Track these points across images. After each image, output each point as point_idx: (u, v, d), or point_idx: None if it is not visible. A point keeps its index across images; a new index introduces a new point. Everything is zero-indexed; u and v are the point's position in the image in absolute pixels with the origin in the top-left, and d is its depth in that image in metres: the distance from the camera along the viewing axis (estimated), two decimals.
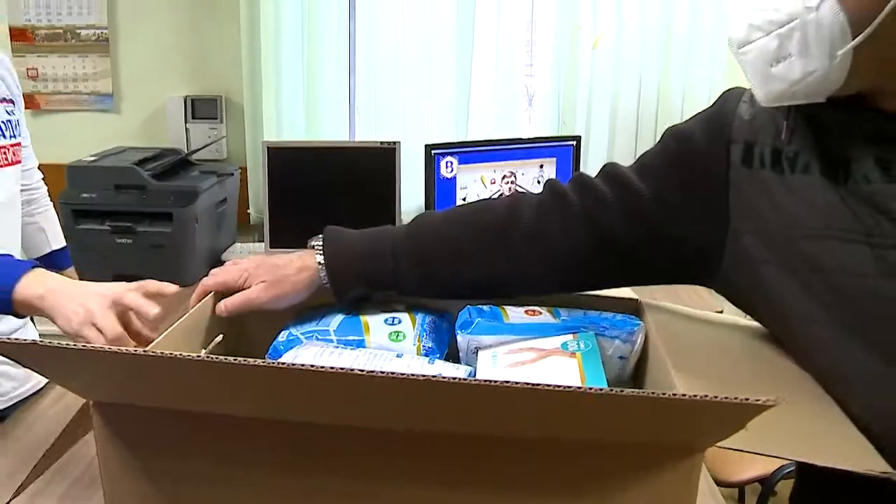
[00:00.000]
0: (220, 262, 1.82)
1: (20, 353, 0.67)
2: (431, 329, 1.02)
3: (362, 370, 0.57)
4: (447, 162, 2.28)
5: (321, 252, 1.04)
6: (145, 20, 2.70)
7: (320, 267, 1.03)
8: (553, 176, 2.42)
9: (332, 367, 0.58)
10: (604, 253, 0.99)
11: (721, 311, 1.37)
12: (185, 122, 2.69)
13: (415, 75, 2.64)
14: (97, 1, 2.69)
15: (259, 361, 0.60)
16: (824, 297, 0.83)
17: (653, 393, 0.55)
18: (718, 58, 2.58)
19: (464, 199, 2.32)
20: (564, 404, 0.56)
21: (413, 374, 0.58)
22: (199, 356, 0.62)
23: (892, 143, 0.77)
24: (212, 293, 1.04)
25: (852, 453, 0.71)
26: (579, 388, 0.53)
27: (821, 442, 0.75)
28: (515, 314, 0.99)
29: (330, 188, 2.35)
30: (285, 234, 2.35)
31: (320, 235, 1.06)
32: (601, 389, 0.54)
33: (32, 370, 0.71)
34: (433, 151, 2.26)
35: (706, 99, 2.58)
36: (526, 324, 0.97)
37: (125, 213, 2.17)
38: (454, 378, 0.56)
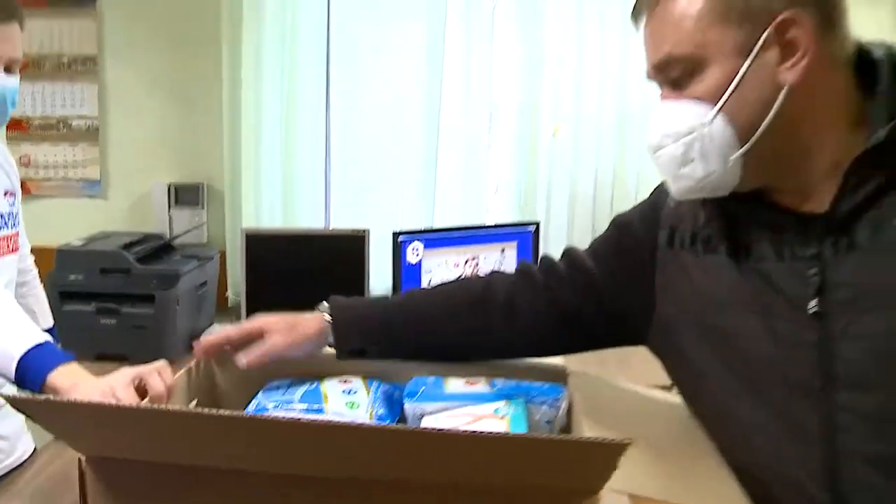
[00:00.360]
0: None
1: (35, 408, 0.80)
2: (384, 398, 1.15)
3: (312, 420, 0.71)
4: (413, 248, 2.43)
5: (328, 312, 1.21)
6: (134, 112, 2.88)
7: (327, 323, 1.20)
8: (514, 259, 2.58)
9: (295, 419, 0.71)
10: (565, 324, 1.18)
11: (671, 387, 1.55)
12: (169, 208, 2.83)
13: (386, 166, 2.80)
14: (89, 93, 2.87)
15: (235, 413, 0.73)
16: (731, 363, 0.99)
17: (532, 436, 0.69)
18: None
19: (429, 282, 2.46)
20: (458, 446, 0.69)
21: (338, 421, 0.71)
22: (185, 409, 0.75)
23: (783, 231, 0.94)
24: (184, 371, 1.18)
25: (723, 498, 0.85)
26: (458, 431, 0.66)
27: (702, 490, 0.89)
28: (456, 384, 1.13)
29: (304, 272, 2.48)
30: None
31: (324, 302, 1.24)
32: (479, 432, 0.67)
33: (43, 426, 0.83)
34: (400, 238, 2.41)
35: (659, 180, 2.75)
36: (464, 393, 1.11)
37: (110, 295, 2.29)
38: (370, 424, 0.70)
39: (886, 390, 0.87)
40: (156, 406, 0.89)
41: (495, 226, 2.66)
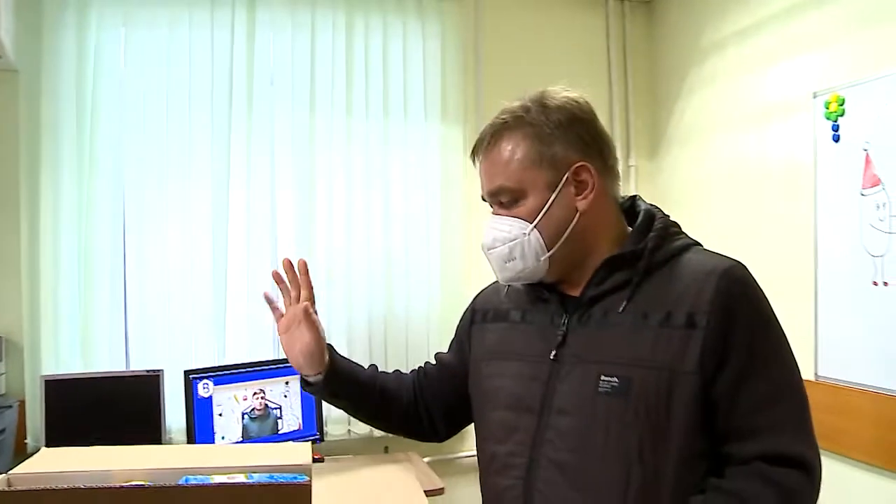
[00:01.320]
0: None
1: None
2: None
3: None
4: (204, 384, 2.68)
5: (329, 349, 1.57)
6: None
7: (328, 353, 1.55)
8: (298, 391, 2.88)
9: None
10: (449, 406, 1.61)
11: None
12: None
13: (180, 309, 3.00)
14: None
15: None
16: (490, 390, 1.45)
17: (235, 482, 1.00)
18: (433, 280, 3.26)
19: (220, 415, 2.71)
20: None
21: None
22: None
23: (552, 305, 1.40)
24: None
25: None
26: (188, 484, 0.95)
27: None
28: (220, 478, 1.42)
29: (103, 413, 2.66)
30: None
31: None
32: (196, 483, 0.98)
33: None
34: (191, 376, 2.66)
35: (425, 312, 3.23)
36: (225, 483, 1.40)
37: None
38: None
39: (573, 417, 1.29)
40: None
41: (278, 360, 2.94)
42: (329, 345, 1.57)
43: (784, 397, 1.24)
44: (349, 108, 3.24)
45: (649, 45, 3.92)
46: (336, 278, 3.19)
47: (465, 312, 1.63)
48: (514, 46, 3.65)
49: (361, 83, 3.27)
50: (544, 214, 1.34)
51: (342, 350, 3.07)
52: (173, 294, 3.01)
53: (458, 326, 1.65)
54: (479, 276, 3.29)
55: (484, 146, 1.39)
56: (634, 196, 1.46)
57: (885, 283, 2.48)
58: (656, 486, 1.22)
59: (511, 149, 1.35)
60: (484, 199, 1.43)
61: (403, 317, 3.22)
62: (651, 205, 1.43)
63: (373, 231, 3.25)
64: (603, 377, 1.27)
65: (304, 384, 1.58)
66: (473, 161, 1.43)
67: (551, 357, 1.35)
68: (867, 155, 2.55)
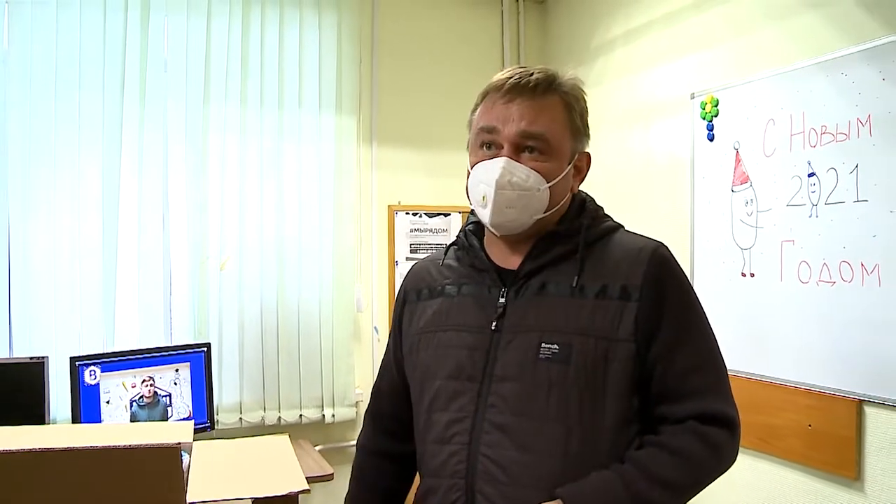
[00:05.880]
0: None
1: None
2: None
3: None
4: (91, 371, 2.65)
5: None
6: None
7: None
8: (189, 377, 2.87)
9: None
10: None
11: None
12: None
13: (67, 295, 2.91)
14: None
15: None
16: (430, 361, 1.48)
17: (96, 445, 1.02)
18: (325, 270, 3.29)
19: (107, 402, 2.68)
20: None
21: None
22: None
23: (489, 278, 1.46)
24: None
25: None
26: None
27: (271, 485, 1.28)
28: None
29: None
30: None
31: None
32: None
33: None
34: (77, 363, 2.62)
35: (317, 301, 3.25)
36: None
37: None
38: None
39: (516, 383, 1.36)
40: None
41: (168, 348, 2.92)
42: None
43: (710, 364, 1.38)
44: (243, 97, 3.24)
45: (543, 44, 4.03)
46: (228, 267, 3.19)
47: (395, 305, 1.67)
48: (410, 40, 3.71)
49: (256, 72, 3.27)
50: (559, 180, 1.41)
51: (234, 337, 3.14)
52: (61, 278, 2.93)
53: (391, 324, 1.69)
54: (370, 265, 3.38)
55: (537, 89, 1.39)
56: None
57: (752, 275, 2.64)
58: (594, 444, 1.32)
59: (561, 107, 1.41)
60: (488, 132, 1.42)
61: (295, 305, 3.25)
62: (582, 191, 1.54)
63: (266, 220, 3.26)
64: (544, 344, 1.35)
65: None
66: (500, 91, 1.42)
67: (492, 328, 1.42)
68: (737, 154, 2.71)
